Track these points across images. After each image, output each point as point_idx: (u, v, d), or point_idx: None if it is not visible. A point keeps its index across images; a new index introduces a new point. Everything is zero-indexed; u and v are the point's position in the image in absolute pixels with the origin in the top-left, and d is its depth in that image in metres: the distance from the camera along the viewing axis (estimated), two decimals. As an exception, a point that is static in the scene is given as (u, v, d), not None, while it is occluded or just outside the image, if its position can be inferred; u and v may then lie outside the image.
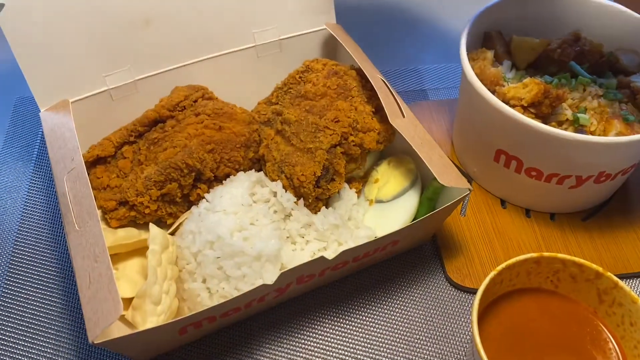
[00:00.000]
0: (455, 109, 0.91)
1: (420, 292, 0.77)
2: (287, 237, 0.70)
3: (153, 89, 0.80)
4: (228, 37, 0.83)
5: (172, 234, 0.74)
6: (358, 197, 0.78)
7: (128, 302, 0.67)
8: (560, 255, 0.64)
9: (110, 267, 0.60)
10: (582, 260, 0.64)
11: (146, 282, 0.64)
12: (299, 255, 0.69)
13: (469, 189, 0.68)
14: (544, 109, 0.75)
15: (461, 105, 0.86)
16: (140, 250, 0.72)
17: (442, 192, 0.76)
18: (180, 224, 0.74)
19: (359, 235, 0.72)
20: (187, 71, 0.82)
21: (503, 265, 0.64)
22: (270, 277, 0.66)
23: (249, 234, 0.66)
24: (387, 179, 0.78)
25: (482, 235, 0.81)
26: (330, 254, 0.70)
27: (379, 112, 0.78)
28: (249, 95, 0.85)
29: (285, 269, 0.64)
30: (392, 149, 0.80)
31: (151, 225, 0.69)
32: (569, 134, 0.69)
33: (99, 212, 0.74)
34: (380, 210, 0.77)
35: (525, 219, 0.83)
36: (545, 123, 0.73)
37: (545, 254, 0.65)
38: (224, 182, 0.75)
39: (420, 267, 0.79)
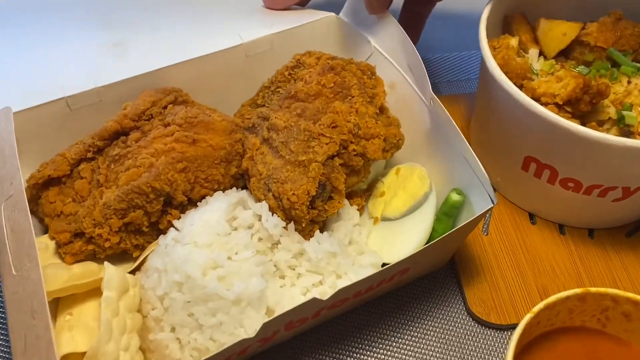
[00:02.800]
0: (472, 105, 0.85)
1: (436, 328, 0.69)
2: (275, 271, 0.62)
3: (120, 97, 0.71)
4: (210, 36, 0.76)
5: (139, 268, 0.65)
6: (361, 214, 0.69)
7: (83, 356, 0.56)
8: (611, 290, 0.57)
9: (50, 327, 0.50)
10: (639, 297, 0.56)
11: (98, 338, 0.52)
12: (289, 292, 0.61)
13: (492, 202, 0.61)
14: (582, 106, 0.68)
15: (480, 102, 0.79)
16: (100, 290, 0.61)
17: (462, 206, 0.67)
18: (146, 257, 0.64)
19: (362, 263, 0.64)
20: (161, 75, 0.72)
21: (541, 305, 0.56)
22: (252, 324, 0.57)
23: (225, 272, 0.58)
24: (395, 191, 0.70)
25: (509, 257, 0.74)
26: (326, 290, 0.61)
27: (383, 112, 0.70)
28: (237, 101, 0.77)
29: (272, 316, 0.55)
30: (400, 155, 0.72)
31: (106, 265, 0.59)
32: (616, 138, 0.61)
33: (52, 244, 0.65)
34: (387, 230, 0.69)
35: (559, 236, 0.76)
36: (583, 124, 0.67)
37: (592, 289, 0.57)
38: (199, 204, 0.66)
39: (436, 296, 0.72)
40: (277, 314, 0.57)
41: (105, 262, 0.59)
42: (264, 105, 0.75)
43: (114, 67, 0.72)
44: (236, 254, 0.60)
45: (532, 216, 0.77)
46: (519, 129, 0.69)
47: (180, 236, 0.61)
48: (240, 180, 0.70)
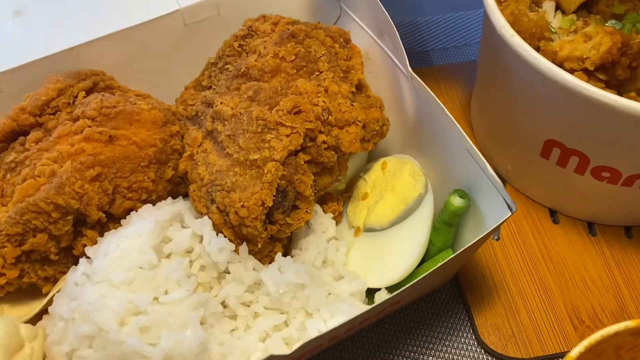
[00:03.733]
0: (473, 76, 0.77)
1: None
2: (223, 310, 0.52)
3: (26, 85, 0.63)
4: (139, 0, 0.70)
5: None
6: (338, 223, 0.62)
7: None
8: (675, 323, 0.47)
9: None
10: None
11: None
12: (242, 340, 0.52)
13: (511, 209, 0.51)
14: (619, 72, 0.59)
15: (484, 72, 0.72)
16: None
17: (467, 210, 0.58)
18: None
19: (341, 293, 0.56)
20: (79, 55, 0.65)
21: (580, 347, 0.47)
22: (187, 391, 0.47)
23: (149, 321, 0.48)
24: (381, 193, 0.63)
25: (527, 267, 0.65)
26: (292, 334, 0.51)
27: (361, 91, 0.62)
28: (179, 84, 0.70)
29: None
30: (386, 144, 0.65)
31: (-10, 317, 0.46)
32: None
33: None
34: (372, 244, 0.61)
35: (589, 237, 0.68)
36: (620, 94, 0.59)
37: (649, 321, 0.48)
38: (123, 222, 0.56)
39: (437, 323, 0.63)
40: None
41: (-9, 314, 0.47)
42: (210, 88, 0.67)
43: (16, 46, 0.64)
44: (166, 293, 0.49)
45: (553, 213, 0.71)
46: (537, 104, 0.62)
47: (92, 270, 0.50)
48: (183, 186, 0.61)
